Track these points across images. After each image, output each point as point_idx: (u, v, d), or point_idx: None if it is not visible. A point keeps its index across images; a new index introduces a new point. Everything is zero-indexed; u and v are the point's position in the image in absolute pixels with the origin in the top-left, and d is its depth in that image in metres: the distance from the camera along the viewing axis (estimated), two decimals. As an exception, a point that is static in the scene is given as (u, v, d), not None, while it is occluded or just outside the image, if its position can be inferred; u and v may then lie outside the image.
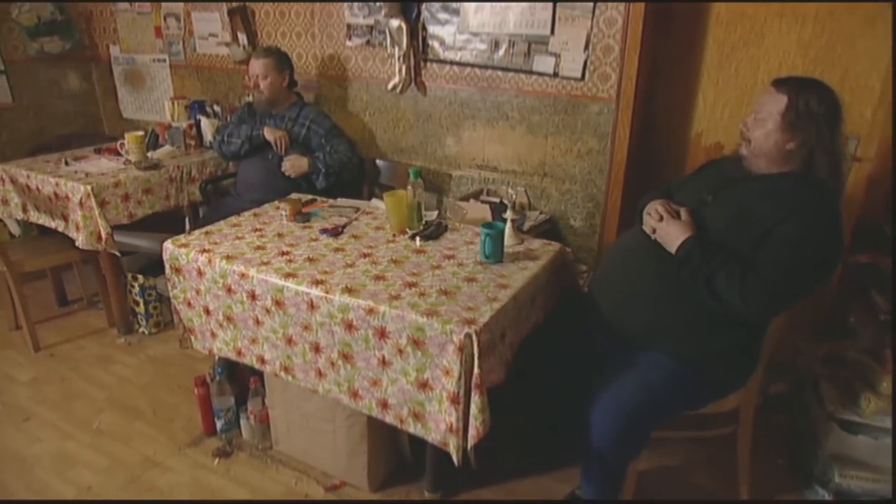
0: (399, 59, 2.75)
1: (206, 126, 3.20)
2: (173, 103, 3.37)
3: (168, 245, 2.04)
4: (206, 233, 2.13)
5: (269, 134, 2.76)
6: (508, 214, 1.96)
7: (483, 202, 2.61)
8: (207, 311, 2.02)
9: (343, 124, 3.12)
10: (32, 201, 2.85)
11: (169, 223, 2.90)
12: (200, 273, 1.97)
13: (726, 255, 1.48)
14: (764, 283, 1.43)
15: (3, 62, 3.61)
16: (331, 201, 2.45)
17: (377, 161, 3.03)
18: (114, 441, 2.22)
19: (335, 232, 2.10)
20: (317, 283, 1.73)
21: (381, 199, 2.32)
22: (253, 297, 1.86)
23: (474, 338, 1.49)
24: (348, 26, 2.92)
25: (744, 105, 2.38)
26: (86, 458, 2.14)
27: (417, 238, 2.05)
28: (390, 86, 2.81)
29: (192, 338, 2.14)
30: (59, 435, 2.26)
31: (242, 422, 2.19)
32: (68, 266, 3.12)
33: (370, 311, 1.62)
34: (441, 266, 1.86)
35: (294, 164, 2.74)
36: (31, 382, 2.58)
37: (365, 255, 1.93)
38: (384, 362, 1.66)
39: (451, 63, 2.72)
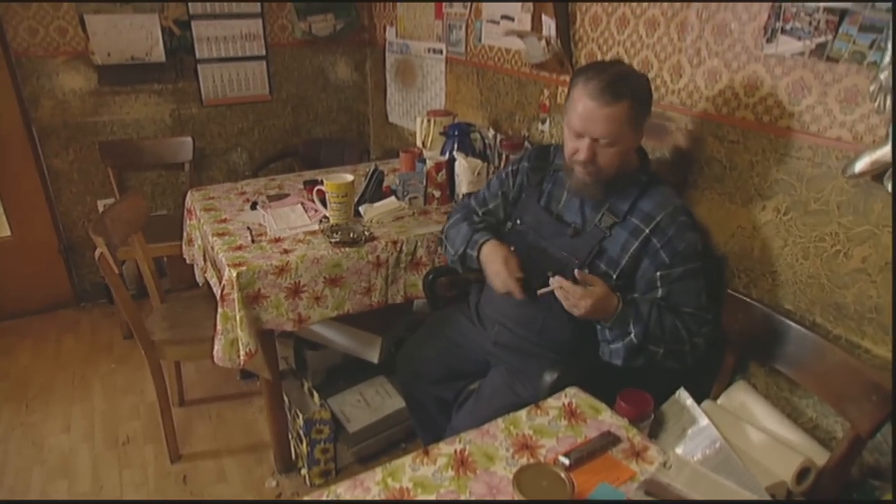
0: (907, 102, 1.05)
1: (463, 172, 1.94)
2: (428, 122, 2.20)
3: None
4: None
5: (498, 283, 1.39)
6: None
7: None
8: None
9: (719, 231, 1.55)
10: (209, 251, 1.99)
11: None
12: None
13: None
14: None
15: (265, 45, 2.91)
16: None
17: (792, 326, 1.38)
18: None
19: None
20: None
21: None
22: None
23: None
24: (775, 10, 1.30)
25: None
26: None
27: None
28: (858, 167, 1.12)
29: None
30: None
31: None
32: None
33: None
34: None
35: (588, 299, 1.24)
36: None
37: None
38: None
39: None
